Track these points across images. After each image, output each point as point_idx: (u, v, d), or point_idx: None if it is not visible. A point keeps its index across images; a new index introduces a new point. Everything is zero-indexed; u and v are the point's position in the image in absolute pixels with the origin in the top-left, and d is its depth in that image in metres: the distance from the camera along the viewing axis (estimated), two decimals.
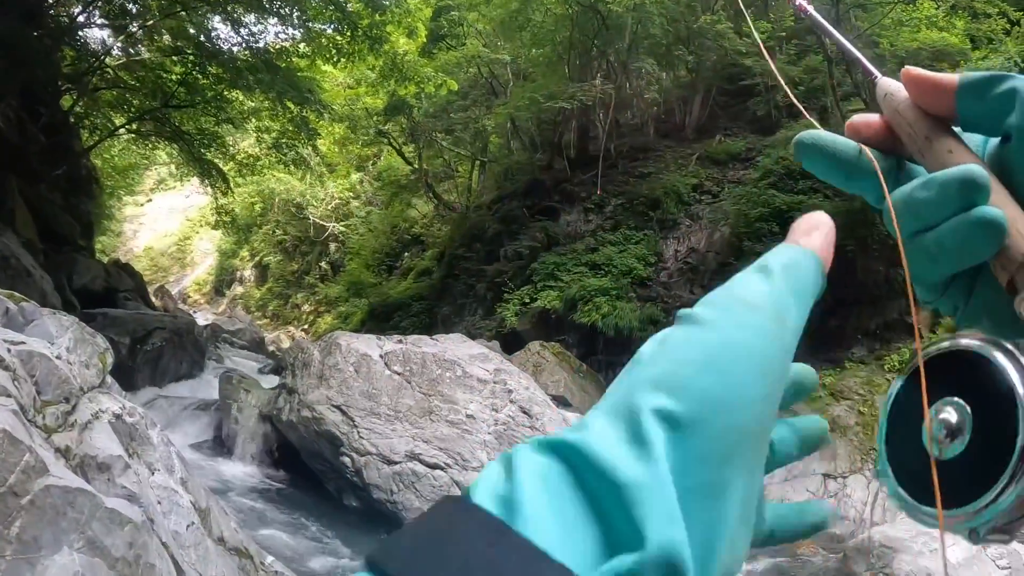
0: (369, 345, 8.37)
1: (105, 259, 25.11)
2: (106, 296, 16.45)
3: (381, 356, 8.15)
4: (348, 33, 16.16)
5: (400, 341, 8.51)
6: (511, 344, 14.56)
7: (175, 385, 12.51)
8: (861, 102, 14.55)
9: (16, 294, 5.10)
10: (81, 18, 20.06)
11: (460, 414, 7.45)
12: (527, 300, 16.26)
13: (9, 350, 3.50)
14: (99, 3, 19.45)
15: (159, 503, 3.62)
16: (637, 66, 19.34)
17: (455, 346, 8.51)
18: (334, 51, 17.28)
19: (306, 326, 31.45)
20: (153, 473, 3.78)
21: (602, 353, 14.78)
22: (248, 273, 40.17)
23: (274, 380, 12.95)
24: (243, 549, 4.26)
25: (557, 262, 16.55)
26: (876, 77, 0.67)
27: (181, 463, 4.22)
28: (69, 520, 2.83)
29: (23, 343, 3.73)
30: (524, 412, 7.47)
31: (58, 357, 3.88)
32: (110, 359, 4.69)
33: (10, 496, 2.65)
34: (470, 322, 18.45)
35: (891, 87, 0.66)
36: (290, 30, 18.44)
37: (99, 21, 20.64)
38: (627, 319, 14.25)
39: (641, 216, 17.01)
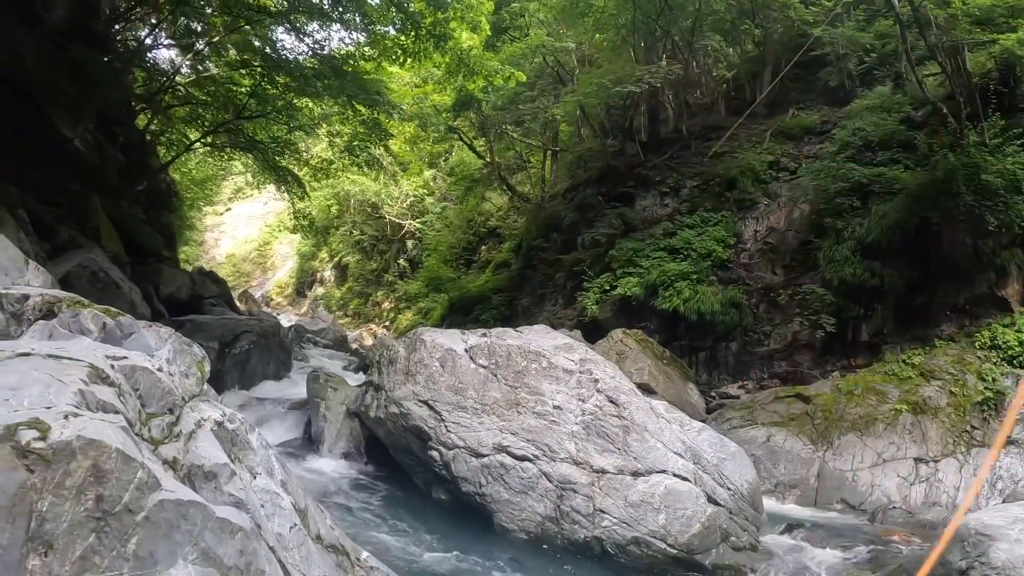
0: (453, 340, 8.41)
1: (189, 268, 25.78)
2: (192, 303, 16.89)
3: (466, 350, 8.18)
4: (412, 33, 16.21)
5: (484, 335, 8.51)
6: (592, 333, 14.44)
7: (263, 386, 12.75)
8: (936, 65, 14.10)
9: (112, 308, 5.23)
10: (148, 40, 20.66)
11: (547, 405, 7.43)
12: (607, 288, 16.06)
13: (112, 366, 3.59)
14: (164, 25, 19.99)
15: (263, 507, 3.68)
16: (703, 44, 19.03)
17: (539, 337, 8.48)
18: (400, 52, 17.36)
19: (387, 323, 31.88)
20: (255, 477, 3.85)
21: (684, 338, 14.60)
22: (328, 274, 40.86)
23: (360, 378, 13.17)
24: (339, 546, 4.31)
25: (635, 248, 16.31)
26: None
27: (280, 465, 4.29)
28: (183, 533, 2.90)
29: (124, 357, 3.82)
30: (611, 401, 7.41)
31: (159, 369, 3.98)
32: (207, 367, 4.79)
33: (125, 514, 2.71)
34: (550, 312, 18.40)
35: None
36: (354, 34, 18.61)
37: (165, 42, 21.23)
38: (709, 303, 14.00)
39: (718, 197, 16.66)
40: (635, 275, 15.54)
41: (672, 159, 18.63)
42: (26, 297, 5.07)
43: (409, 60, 17.58)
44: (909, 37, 14.00)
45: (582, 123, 23.19)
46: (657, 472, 6.97)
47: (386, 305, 33.57)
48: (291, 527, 3.79)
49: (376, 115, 19.52)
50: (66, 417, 2.73)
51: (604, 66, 20.33)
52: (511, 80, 17.36)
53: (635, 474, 6.96)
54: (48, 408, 2.78)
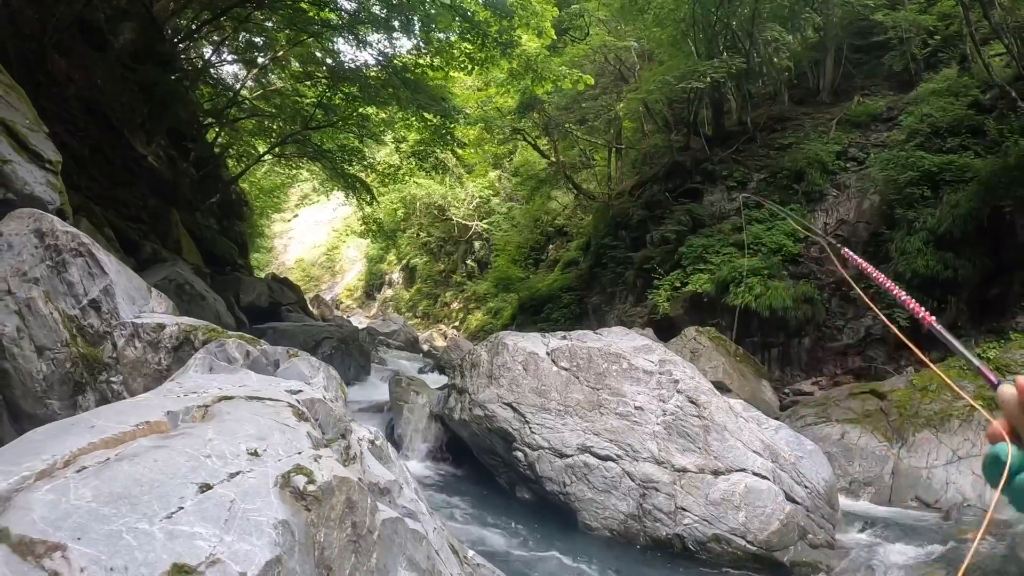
0: (535, 343, 8.59)
1: (260, 275, 26.42)
2: (271, 311, 17.29)
3: (548, 353, 8.35)
4: (479, 42, 16.45)
5: (564, 337, 8.68)
6: (664, 330, 14.53)
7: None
8: (1001, 46, 13.88)
9: (248, 336, 5.56)
10: (212, 58, 21.31)
11: (628, 406, 7.58)
12: (677, 285, 16.14)
13: (297, 400, 3.94)
14: (227, 42, 20.56)
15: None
16: (763, 34, 18.94)
17: (619, 339, 8.64)
18: (467, 60, 17.61)
19: (456, 323, 32.19)
20: (402, 488, 4.18)
21: (757, 334, 14.56)
22: (396, 276, 41.38)
23: (436, 379, 13.45)
24: (452, 546, 4.57)
25: (705, 244, 16.35)
26: (997, 384, 1.04)
27: (409, 472, 4.62)
28: (397, 545, 3.36)
29: (300, 391, 4.16)
30: (691, 402, 7.54)
31: (327, 399, 4.30)
32: (346, 388, 5.13)
33: (368, 535, 3.12)
34: (621, 310, 18.51)
35: (1005, 394, 1.03)
36: (421, 44, 18.86)
37: (229, 58, 21.84)
38: (781, 298, 13.98)
39: (786, 190, 16.57)
40: (706, 271, 15.59)
41: (738, 152, 18.58)
42: (162, 327, 5.42)
43: (476, 68, 17.82)
44: (972, 17, 13.83)
45: (645, 119, 23.21)
46: (737, 471, 7.09)
47: (455, 306, 33.94)
48: (434, 529, 4.11)
49: (449, 125, 19.82)
50: (316, 460, 3.13)
51: (665, 61, 20.35)
52: (579, 84, 17.47)
53: (715, 473, 7.10)
54: (299, 453, 3.15)
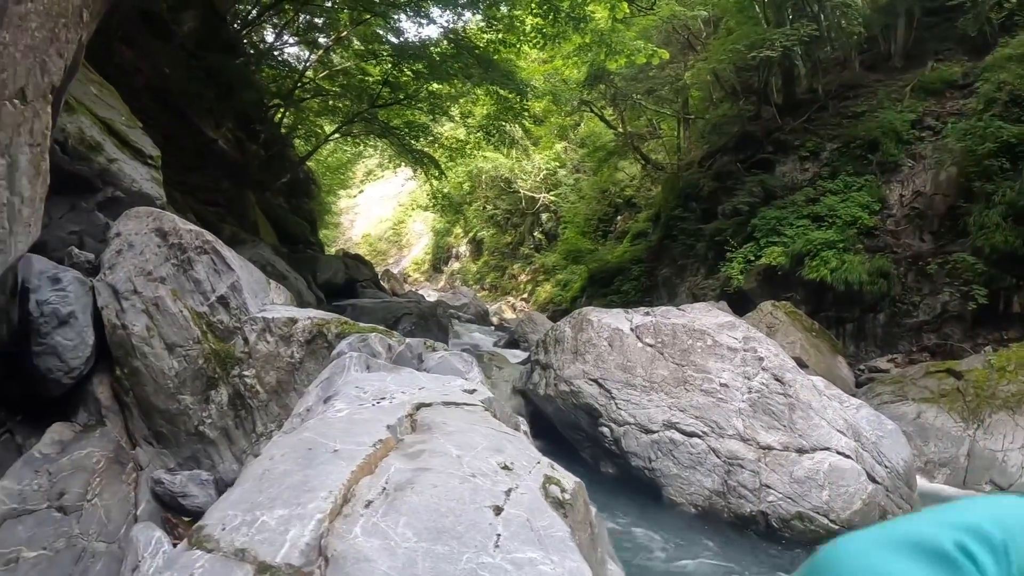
0: (619, 319, 8.71)
1: (330, 251, 26.91)
2: (347, 287, 17.63)
3: (632, 329, 8.47)
4: (550, 16, 16.42)
5: (648, 313, 8.77)
6: (738, 304, 14.40)
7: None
8: None
9: (382, 328, 5.81)
10: (274, 40, 21.68)
11: (714, 383, 7.68)
12: (751, 258, 16.00)
13: (481, 402, 4.18)
14: (287, 25, 20.88)
15: None
16: None
17: (702, 316, 8.71)
18: (538, 35, 17.58)
19: (525, 295, 32.35)
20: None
21: (831, 309, 14.41)
22: (463, 249, 41.68)
23: (512, 353, 13.66)
24: None
25: (778, 216, 16.13)
26: None
27: None
28: (602, 537, 3.86)
29: (475, 390, 4.38)
30: (777, 379, 7.60)
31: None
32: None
33: (595, 531, 3.61)
34: (692, 283, 18.48)
35: None
36: (490, 20, 18.85)
37: (291, 40, 22.18)
38: (856, 272, 13.79)
39: (859, 160, 16.19)
40: (779, 244, 15.43)
41: (809, 121, 18.24)
42: (293, 320, 5.68)
43: (547, 43, 17.79)
44: None
45: (714, 88, 22.97)
46: (821, 449, 7.16)
47: (523, 278, 34.12)
48: None
49: (524, 101, 19.85)
50: (552, 467, 3.45)
51: (732, 28, 20.05)
52: (654, 58, 17.22)
53: (800, 451, 7.20)
54: (538, 463, 3.42)
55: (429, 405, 3.86)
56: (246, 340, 5.71)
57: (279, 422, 5.46)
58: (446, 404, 3.93)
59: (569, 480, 3.28)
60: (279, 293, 6.53)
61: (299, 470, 2.89)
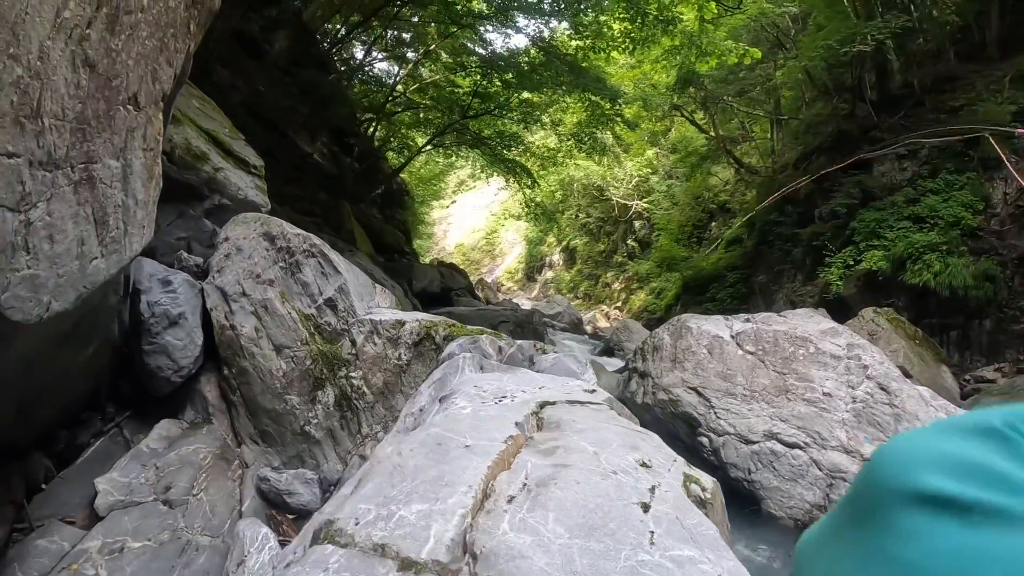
0: (719, 326, 8.55)
1: (424, 261, 27.27)
2: (442, 295, 17.84)
3: (732, 336, 8.32)
4: (638, 21, 16.31)
5: (748, 320, 8.58)
6: (836, 310, 13.94)
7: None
8: None
9: (492, 331, 5.87)
10: (364, 56, 22.14)
11: (816, 392, 7.49)
12: (850, 262, 15.55)
13: (594, 390, 4.16)
14: (375, 41, 21.29)
15: None
16: None
17: (804, 322, 8.49)
18: (627, 40, 17.47)
19: (619, 304, 32.18)
20: None
21: (935, 316, 13.91)
22: (556, 257, 41.80)
23: (609, 362, 13.57)
24: None
25: (878, 218, 15.64)
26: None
27: None
28: None
29: (594, 391, 4.44)
30: (882, 389, 7.37)
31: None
32: None
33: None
34: (789, 289, 18.12)
35: None
36: (578, 27, 18.80)
37: (379, 56, 22.60)
38: (961, 276, 13.26)
39: (960, 157, 15.53)
40: (880, 248, 14.96)
41: (906, 117, 17.63)
42: (401, 323, 5.80)
43: (636, 47, 17.69)
44: None
45: (806, 87, 22.52)
46: None
47: (616, 286, 33.94)
48: None
49: (620, 106, 19.79)
50: (689, 466, 3.60)
51: (820, 22, 19.62)
52: (746, 58, 16.88)
53: None
54: (675, 460, 3.49)
55: (553, 403, 3.88)
56: (353, 342, 5.84)
57: (384, 423, 5.62)
58: (570, 403, 3.94)
59: (707, 479, 3.27)
60: (384, 296, 6.66)
61: (433, 465, 2.90)
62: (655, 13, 15.93)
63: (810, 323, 8.53)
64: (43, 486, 4.88)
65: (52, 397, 4.83)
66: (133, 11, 3.94)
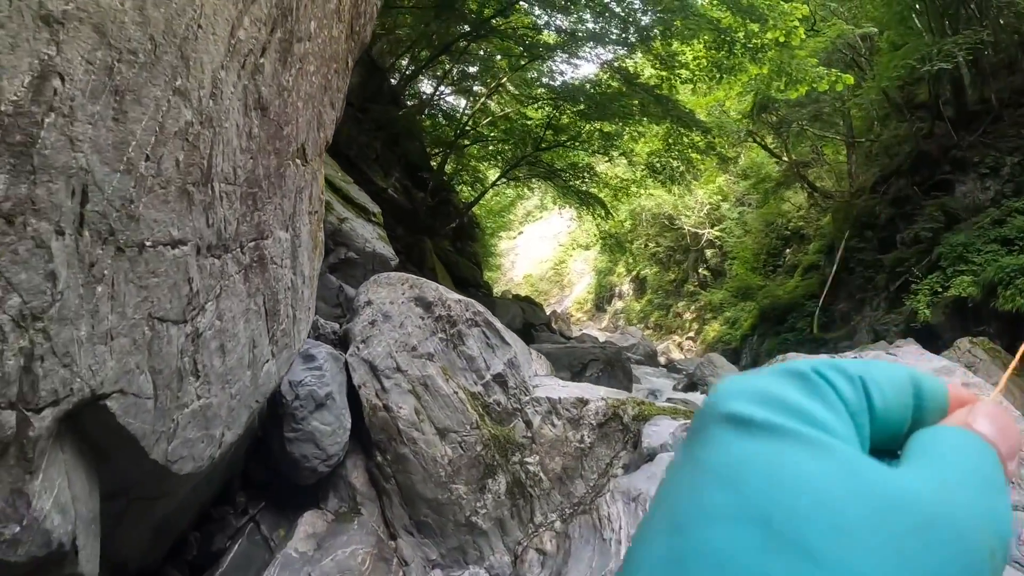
0: None
1: (496, 294, 27.21)
2: (523, 331, 17.67)
3: None
4: (725, 49, 16.06)
5: (856, 356, 8.35)
6: (924, 340, 13.28)
7: None
8: None
9: (683, 408, 5.61)
10: (433, 90, 22.35)
11: None
12: (938, 289, 15.06)
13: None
14: (444, 76, 21.44)
15: None
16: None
17: (914, 359, 8.17)
18: (714, 69, 17.19)
19: (691, 334, 31.80)
20: None
21: None
22: (626, 287, 41.61)
23: (689, 396, 13.23)
24: None
25: (964, 242, 15.13)
26: None
27: None
28: None
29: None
30: None
31: None
32: None
33: None
34: (872, 318, 17.58)
35: None
36: (661, 57, 18.54)
37: (448, 91, 22.74)
38: None
39: None
40: (968, 273, 14.47)
41: (985, 134, 17.17)
42: (583, 402, 5.35)
43: (725, 77, 17.37)
44: None
45: (878, 107, 21.98)
46: None
47: (688, 316, 33.65)
48: None
49: (712, 137, 19.57)
50: None
51: (892, 39, 19.19)
52: (839, 84, 16.10)
53: (1015, 507, 6.67)
54: None
55: None
56: (528, 423, 5.34)
57: (561, 511, 5.14)
58: None
59: None
60: (541, 363, 6.24)
61: None
62: (743, 41, 15.58)
63: (921, 360, 8.15)
64: None
65: (189, 508, 4.20)
66: (303, 39, 3.25)
